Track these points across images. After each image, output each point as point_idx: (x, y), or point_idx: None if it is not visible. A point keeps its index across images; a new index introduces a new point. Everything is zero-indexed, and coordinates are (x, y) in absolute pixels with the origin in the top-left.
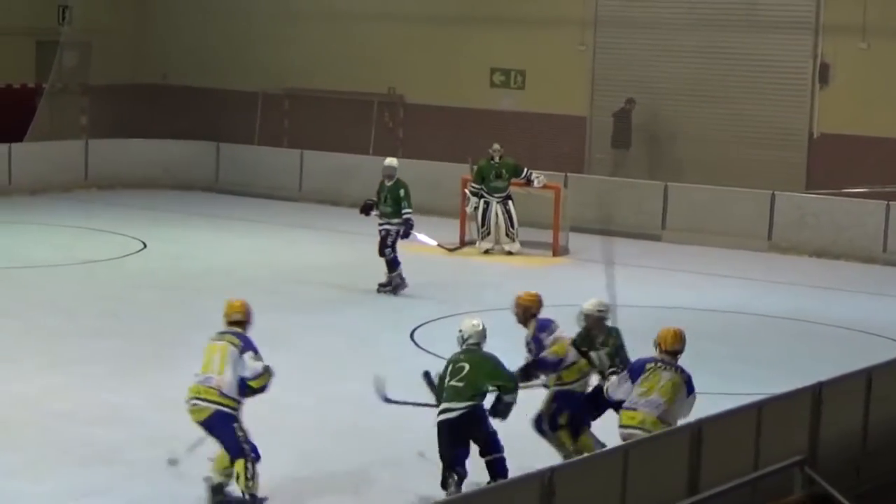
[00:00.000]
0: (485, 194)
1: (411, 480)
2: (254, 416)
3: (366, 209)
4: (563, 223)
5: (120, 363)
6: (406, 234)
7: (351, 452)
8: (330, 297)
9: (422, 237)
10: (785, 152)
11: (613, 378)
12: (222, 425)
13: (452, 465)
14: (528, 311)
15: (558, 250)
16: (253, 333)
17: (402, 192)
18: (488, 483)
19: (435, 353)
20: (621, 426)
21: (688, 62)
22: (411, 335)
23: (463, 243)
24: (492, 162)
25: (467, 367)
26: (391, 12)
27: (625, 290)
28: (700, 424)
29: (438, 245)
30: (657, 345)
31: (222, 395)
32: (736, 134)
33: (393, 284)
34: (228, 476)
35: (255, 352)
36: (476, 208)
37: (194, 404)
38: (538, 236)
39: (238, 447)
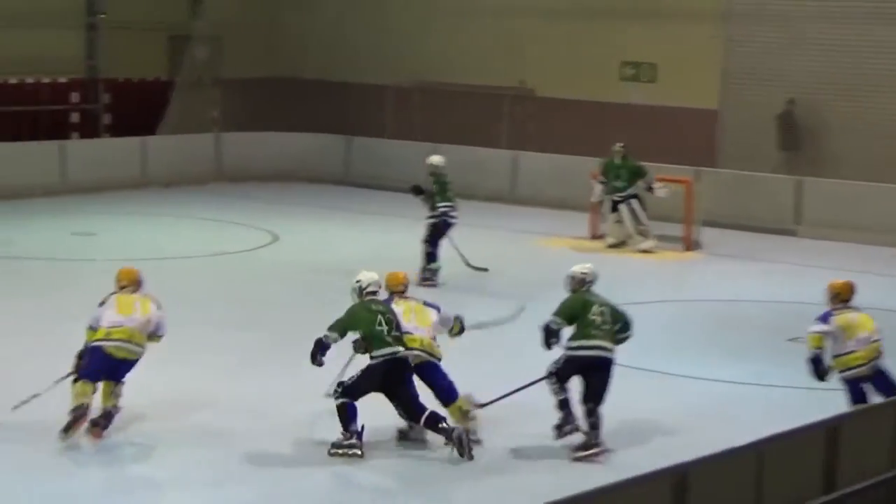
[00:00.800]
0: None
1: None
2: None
3: (416, 191)
4: (695, 217)
5: (251, 354)
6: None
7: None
8: (461, 292)
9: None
10: None
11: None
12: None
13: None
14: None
15: (690, 245)
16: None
17: (435, 186)
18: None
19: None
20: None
21: (822, 54)
22: None
23: (594, 236)
24: (614, 161)
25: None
26: (522, 6)
27: (758, 286)
28: (838, 422)
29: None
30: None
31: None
32: (874, 128)
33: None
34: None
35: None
36: (601, 201)
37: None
38: (670, 230)
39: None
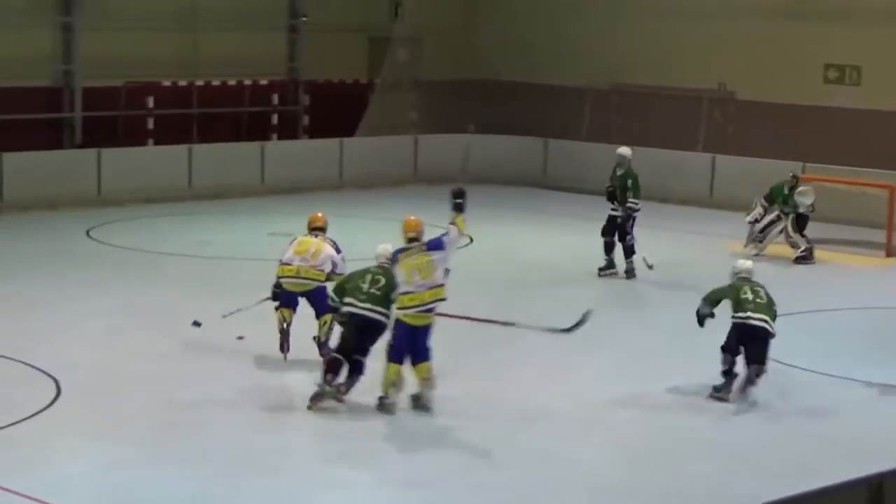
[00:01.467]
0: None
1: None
2: (574, 413)
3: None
4: None
5: (446, 358)
6: (625, 221)
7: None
8: (653, 293)
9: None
10: None
11: None
12: None
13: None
14: None
15: (891, 251)
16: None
17: (629, 181)
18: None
19: None
20: None
21: None
22: None
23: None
24: (784, 191)
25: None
26: (721, 6)
27: None
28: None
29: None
30: None
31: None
32: None
33: (626, 269)
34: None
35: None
36: (756, 220)
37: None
38: (872, 236)
39: None
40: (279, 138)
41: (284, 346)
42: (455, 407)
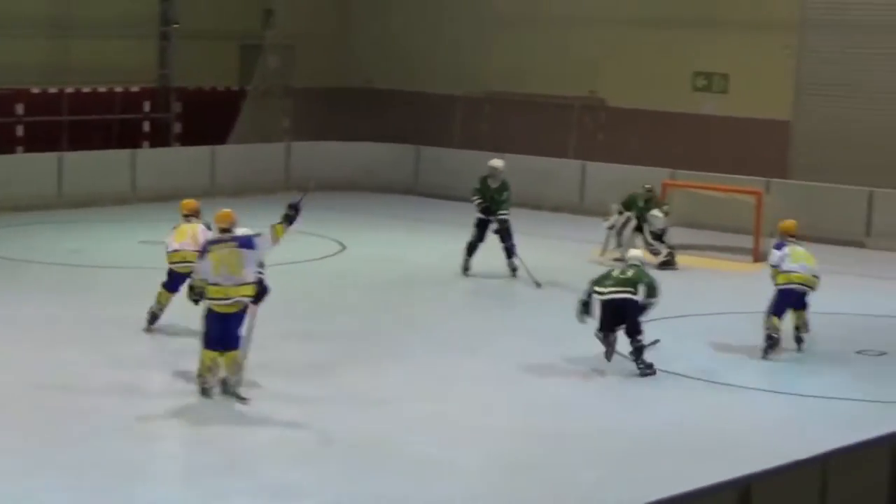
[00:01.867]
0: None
1: (611, 486)
2: (452, 420)
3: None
4: (765, 229)
5: (320, 363)
6: (504, 231)
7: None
8: (527, 299)
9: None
10: None
11: None
12: None
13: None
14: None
15: (759, 256)
16: (452, 334)
17: (505, 194)
18: None
19: (623, 355)
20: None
21: None
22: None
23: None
24: (638, 202)
25: None
26: (593, 15)
27: (826, 298)
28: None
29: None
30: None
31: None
32: None
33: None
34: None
35: None
36: (613, 226)
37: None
38: (740, 242)
39: None
40: (151, 146)
41: (153, 323)
42: (331, 411)
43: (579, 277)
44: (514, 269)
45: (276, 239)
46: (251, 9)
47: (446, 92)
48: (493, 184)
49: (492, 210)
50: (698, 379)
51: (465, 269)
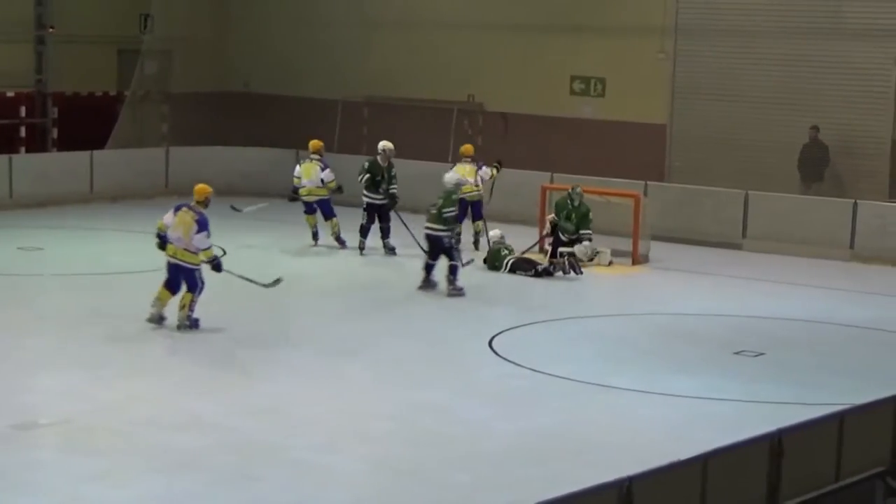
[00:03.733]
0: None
1: (491, 488)
2: (334, 424)
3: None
4: (643, 232)
5: (199, 370)
6: (392, 207)
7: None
8: (405, 303)
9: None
10: (868, 160)
11: None
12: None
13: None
14: None
15: (638, 258)
16: (331, 339)
17: (393, 171)
18: None
19: (514, 362)
20: None
21: (770, 69)
22: (490, 343)
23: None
24: (569, 202)
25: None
26: (471, 20)
27: (705, 300)
28: (781, 434)
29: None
30: None
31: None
32: (819, 142)
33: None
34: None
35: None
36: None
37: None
38: (618, 244)
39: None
40: (27, 151)
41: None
42: (212, 420)
43: (464, 281)
44: (391, 249)
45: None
46: (129, 13)
47: (325, 96)
48: (383, 162)
49: (381, 186)
50: (577, 381)
51: (361, 248)
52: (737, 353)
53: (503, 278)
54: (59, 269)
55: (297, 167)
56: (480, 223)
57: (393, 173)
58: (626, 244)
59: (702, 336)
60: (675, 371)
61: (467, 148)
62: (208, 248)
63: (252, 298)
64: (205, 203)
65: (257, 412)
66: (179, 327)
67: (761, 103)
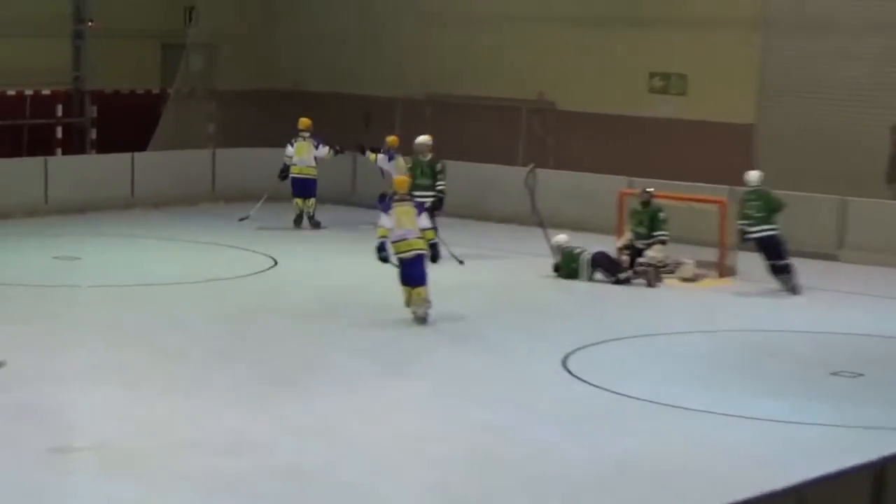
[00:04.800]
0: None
1: None
2: (389, 446)
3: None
4: (730, 241)
5: (247, 388)
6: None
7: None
8: (474, 319)
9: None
10: None
11: None
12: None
13: None
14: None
15: (724, 270)
16: (391, 355)
17: (438, 165)
18: None
19: (588, 381)
20: None
21: (869, 64)
22: (562, 360)
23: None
24: (639, 206)
25: None
26: (541, 14)
27: (797, 315)
28: (884, 464)
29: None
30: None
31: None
32: None
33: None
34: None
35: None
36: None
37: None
38: (703, 255)
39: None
40: (64, 153)
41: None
42: (257, 441)
43: (536, 294)
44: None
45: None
46: (172, 5)
47: (382, 94)
48: (423, 158)
49: (423, 186)
50: (656, 402)
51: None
52: (833, 373)
53: (578, 289)
54: (98, 279)
55: (289, 146)
56: (312, 200)
57: (438, 169)
58: (711, 255)
59: (793, 355)
60: (763, 393)
61: (304, 122)
62: (430, 228)
63: (304, 307)
64: (409, 192)
65: (306, 432)
66: (423, 319)
67: (858, 101)
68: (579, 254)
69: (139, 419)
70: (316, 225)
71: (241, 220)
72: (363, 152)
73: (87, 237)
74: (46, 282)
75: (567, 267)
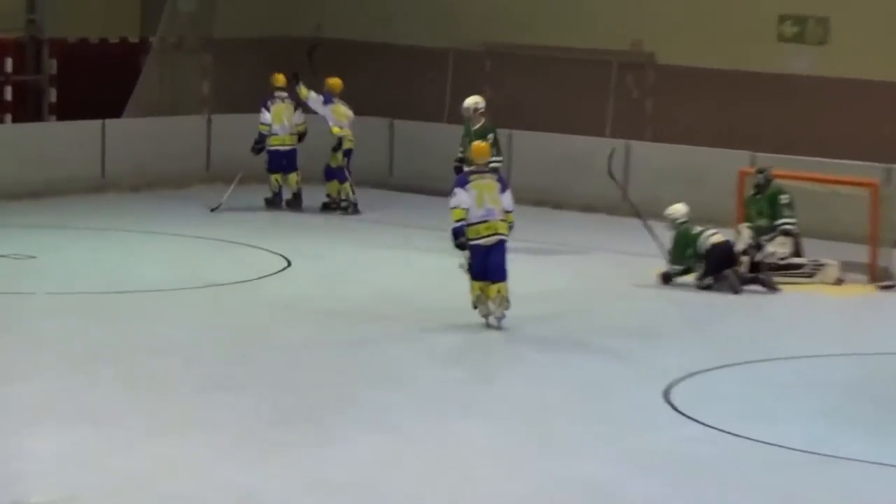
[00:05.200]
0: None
1: None
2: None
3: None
4: (885, 235)
5: (255, 427)
6: None
7: None
8: (550, 337)
9: None
10: None
11: None
12: None
13: None
14: None
15: (877, 273)
16: (437, 383)
17: (489, 136)
18: None
19: (699, 420)
20: None
21: None
22: (665, 393)
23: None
24: (755, 191)
25: None
26: None
27: None
28: None
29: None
30: None
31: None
32: None
33: None
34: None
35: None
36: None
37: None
38: (849, 254)
39: None
40: (14, 120)
41: None
42: (267, 499)
43: (632, 304)
44: None
45: None
46: None
47: (429, 44)
48: (473, 126)
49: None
50: (789, 448)
51: None
52: None
53: (685, 298)
54: (59, 285)
55: (265, 112)
56: (295, 175)
57: (489, 140)
58: (860, 254)
59: None
60: None
61: (279, 78)
62: (512, 210)
63: (326, 321)
64: (486, 163)
65: (332, 488)
66: (498, 320)
67: None
68: (697, 235)
69: (113, 468)
70: (352, 209)
71: (214, 210)
72: (297, 81)
73: (45, 230)
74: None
75: (681, 254)
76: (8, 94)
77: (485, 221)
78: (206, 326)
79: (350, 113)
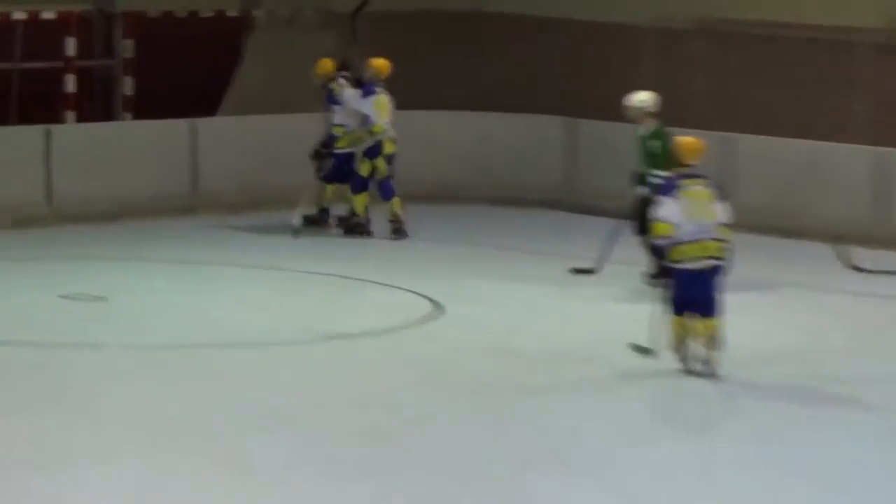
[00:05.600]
0: None
1: None
2: None
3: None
4: None
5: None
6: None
7: None
8: (786, 416)
9: None
10: None
11: None
12: None
13: None
14: None
15: None
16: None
17: (658, 145)
18: None
19: None
20: None
21: None
22: None
23: None
24: None
25: None
26: None
27: None
28: None
29: None
30: None
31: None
32: None
33: None
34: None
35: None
36: None
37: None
38: None
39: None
40: (78, 119)
41: None
42: None
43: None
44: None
45: None
46: None
47: (623, 21)
48: (644, 132)
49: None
50: None
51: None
52: None
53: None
54: (135, 335)
55: (363, 102)
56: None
57: (653, 148)
58: None
59: None
60: None
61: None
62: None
63: (493, 386)
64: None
65: None
66: (711, 370)
67: None
68: None
69: None
70: (361, 229)
71: (296, 234)
72: (346, 69)
73: (118, 263)
74: (52, 338)
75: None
76: (70, 84)
77: (697, 241)
78: (331, 393)
79: (392, 106)
